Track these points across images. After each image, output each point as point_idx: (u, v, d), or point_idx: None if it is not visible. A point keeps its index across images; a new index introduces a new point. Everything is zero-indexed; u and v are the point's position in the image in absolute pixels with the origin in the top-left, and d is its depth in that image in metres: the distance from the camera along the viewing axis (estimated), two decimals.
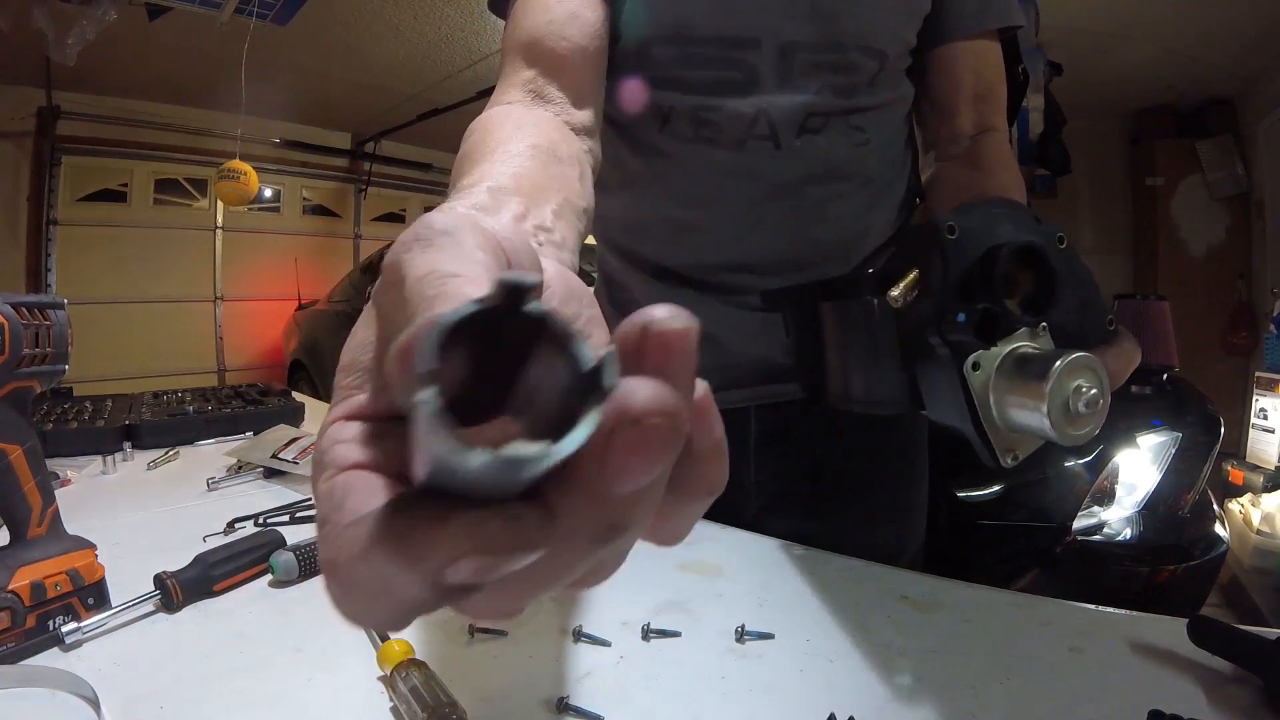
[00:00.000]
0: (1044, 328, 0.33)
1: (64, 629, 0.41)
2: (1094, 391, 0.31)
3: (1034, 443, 0.33)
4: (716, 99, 0.60)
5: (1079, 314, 0.34)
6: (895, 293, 0.34)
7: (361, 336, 0.19)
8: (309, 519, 0.65)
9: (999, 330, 0.33)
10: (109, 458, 0.83)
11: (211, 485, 0.76)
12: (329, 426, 0.17)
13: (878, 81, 0.61)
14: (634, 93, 0.60)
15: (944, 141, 0.65)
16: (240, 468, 0.81)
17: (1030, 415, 0.31)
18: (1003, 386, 0.32)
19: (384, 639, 0.40)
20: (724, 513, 0.65)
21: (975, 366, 0.32)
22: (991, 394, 0.32)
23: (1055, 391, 0.31)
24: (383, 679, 0.38)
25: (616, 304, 0.76)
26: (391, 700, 0.36)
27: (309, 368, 3.72)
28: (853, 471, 0.68)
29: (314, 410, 1.19)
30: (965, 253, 0.34)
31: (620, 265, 0.74)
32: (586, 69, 0.52)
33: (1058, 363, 0.31)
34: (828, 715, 0.34)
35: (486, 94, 0.57)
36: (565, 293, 0.21)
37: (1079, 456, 1.48)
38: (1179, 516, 1.65)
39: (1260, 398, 2.83)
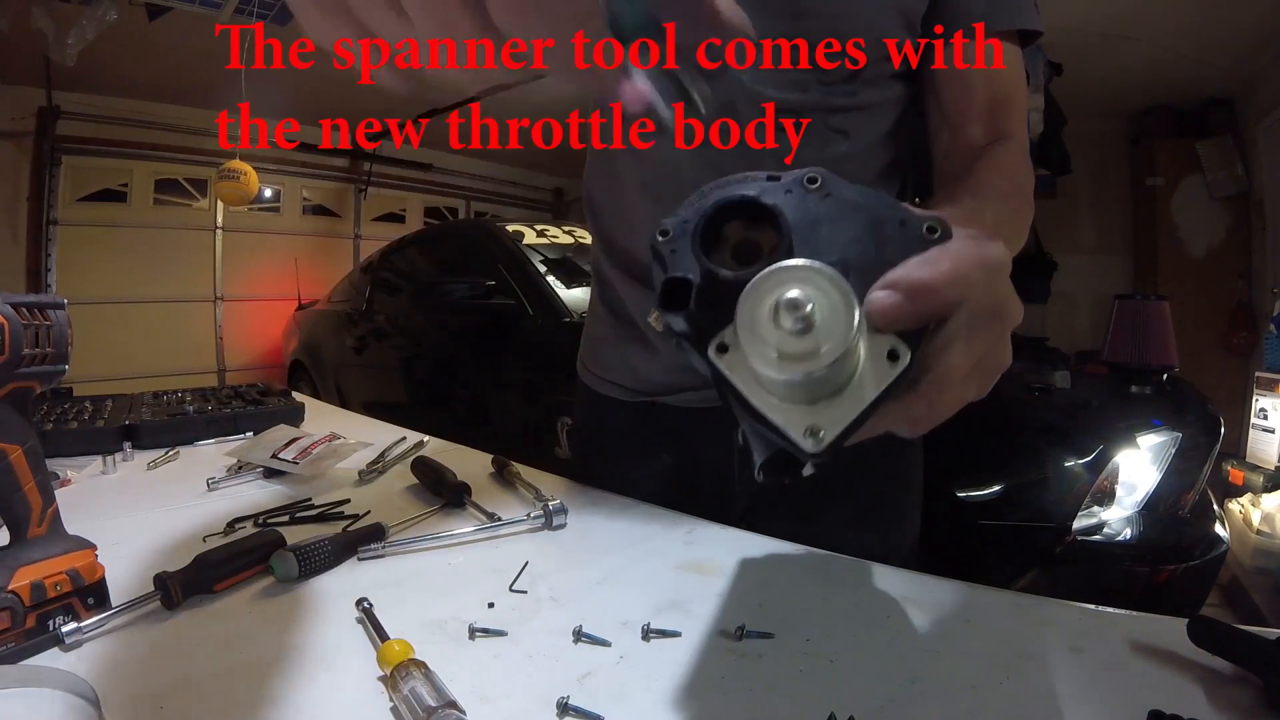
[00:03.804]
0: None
1: (64, 629, 0.41)
2: (794, 295, 0.25)
3: (843, 414, 0.27)
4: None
5: (869, 239, 0.29)
6: (651, 317, 0.29)
7: None
8: (309, 519, 0.65)
9: (727, 298, 0.27)
10: (109, 458, 0.83)
11: (211, 485, 0.76)
12: None
13: (857, 82, 0.60)
14: None
15: (954, 155, 0.60)
16: (240, 468, 0.81)
17: (755, 360, 0.26)
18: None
19: (384, 639, 0.40)
20: (712, 511, 0.65)
21: (723, 349, 0.28)
22: (756, 361, 0.27)
23: (753, 320, 0.26)
24: (383, 679, 0.38)
25: (606, 301, 0.77)
26: (391, 700, 0.36)
27: (309, 368, 3.72)
28: (840, 473, 0.68)
29: (314, 410, 1.19)
30: (683, 243, 0.30)
31: (608, 263, 0.74)
32: None
33: (745, 290, 0.26)
34: (828, 715, 0.34)
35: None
36: None
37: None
38: (1179, 516, 1.65)
39: (1260, 398, 2.83)
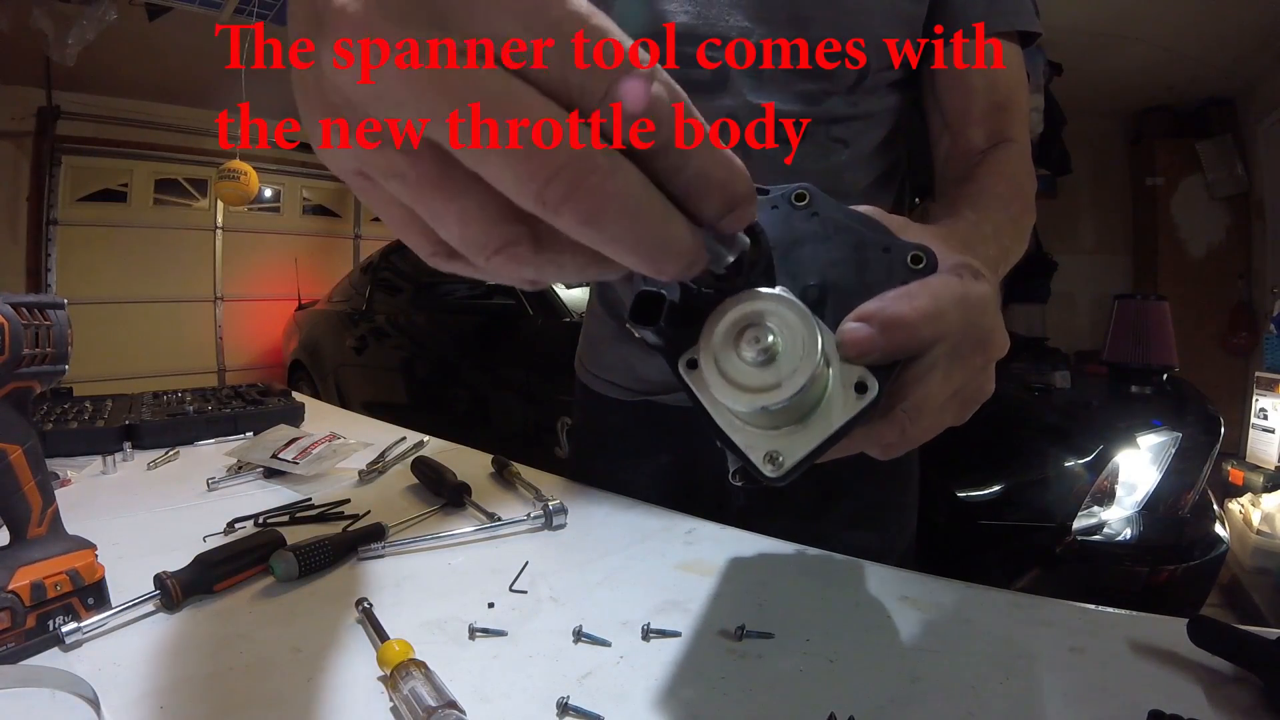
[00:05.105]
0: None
1: (64, 629, 0.41)
2: (757, 326, 0.25)
3: (805, 442, 0.27)
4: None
5: (851, 263, 0.28)
6: (628, 324, 0.29)
7: None
8: (309, 519, 0.65)
9: (702, 314, 0.27)
10: (109, 458, 0.83)
11: (211, 485, 0.76)
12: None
13: (858, 91, 0.60)
14: None
15: (956, 160, 0.59)
16: (240, 468, 0.81)
17: (714, 387, 0.26)
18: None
19: (384, 639, 0.40)
20: (711, 511, 0.65)
21: (693, 364, 0.27)
22: (715, 389, 0.26)
23: (716, 347, 0.26)
24: (383, 679, 0.38)
25: (605, 300, 0.77)
26: (391, 700, 0.36)
27: (309, 368, 3.72)
28: (835, 471, 0.68)
29: (314, 410, 1.19)
30: None
31: None
32: None
33: (710, 316, 0.26)
34: (828, 715, 0.34)
35: None
36: None
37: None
38: (1179, 516, 1.65)
39: (1260, 398, 2.83)
